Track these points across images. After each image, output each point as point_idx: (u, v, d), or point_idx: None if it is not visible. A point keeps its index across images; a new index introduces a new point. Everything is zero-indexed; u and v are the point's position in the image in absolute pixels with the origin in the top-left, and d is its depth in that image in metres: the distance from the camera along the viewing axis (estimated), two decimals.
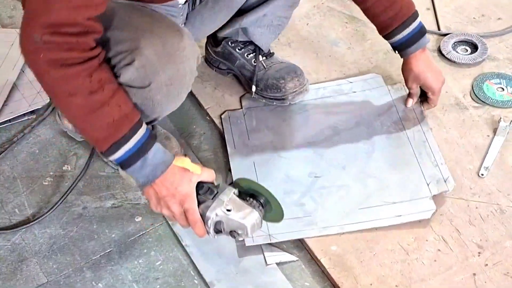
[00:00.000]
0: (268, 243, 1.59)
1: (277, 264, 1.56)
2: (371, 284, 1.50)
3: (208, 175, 1.44)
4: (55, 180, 1.74)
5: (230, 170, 1.72)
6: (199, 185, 1.41)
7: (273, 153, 1.76)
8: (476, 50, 2.00)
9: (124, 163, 1.34)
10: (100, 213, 1.68)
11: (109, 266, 1.57)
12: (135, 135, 1.32)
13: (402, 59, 1.76)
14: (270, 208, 1.47)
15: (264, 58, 1.87)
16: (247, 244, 1.57)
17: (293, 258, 1.58)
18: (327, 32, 2.12)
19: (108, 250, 1.60)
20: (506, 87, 1.90)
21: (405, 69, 1.76)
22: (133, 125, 1.32)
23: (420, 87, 1.79)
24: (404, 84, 1.84)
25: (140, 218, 1.66)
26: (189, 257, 1.58)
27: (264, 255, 1.57)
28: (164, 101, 1.43)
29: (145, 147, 1.34)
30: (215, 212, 1.39)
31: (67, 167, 1.77)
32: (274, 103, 1.85)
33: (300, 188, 1.68)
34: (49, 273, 1.56)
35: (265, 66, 1.86)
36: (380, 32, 1.73)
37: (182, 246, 1.60)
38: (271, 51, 1.90)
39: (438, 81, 1.75)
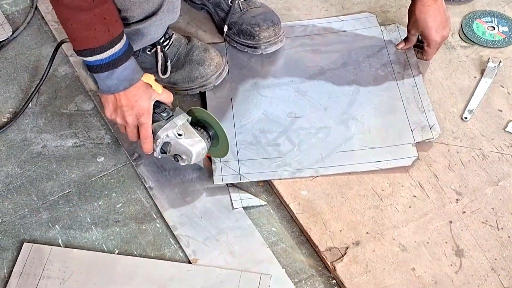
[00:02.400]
0: (236, 187, 1.52)
1: (244, 208, 1.49)
2: (340, 231, 1.43)
3: (167, 96, 1.47)
4: (15, 117, 1.65)
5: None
6: (156, 104, 1.44)
7: (252, 90, 1.68)
8: None
9: (92, 68, 1.36)
10: (61, 152, 1.60)
11: (67, 208, 1.50)
12: (111, 48, 1.32)
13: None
14: (216, 143, 1.48)
15: None
16: (215, 183, 1.51)
17: (261, 202, 1.51)
18: None
19: (67, 191, 1.53)
20: (498, 26, 1.79)
21: (409, 10, 1.66)
22: (112, 39, 1.32)
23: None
24: (398, 25, 1.78)
25: (102, 158, 1.58)
26: (152, 199, 1.51)
27: (231, 199, 1.50)
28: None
29: (117, 63, 1.34)
30: (167, 133, 1.42)
31: (28, 104, 1.67)
32: (246, 50, 1.75)
33: (277, 128, 1.61)
34: (4, 213, 1.49)
35: (242, 9, 1.75)
36: None
37: (145, 188, 1.53)
38: None
39: (437, 33, 1.64)
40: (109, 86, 1.37)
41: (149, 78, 1.42)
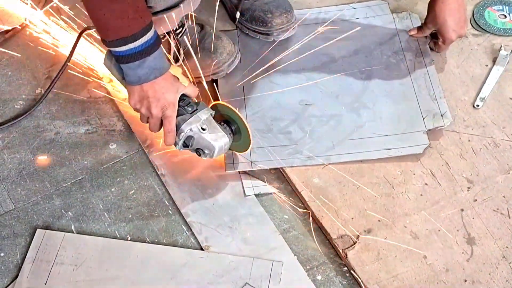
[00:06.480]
0: (248, 174, 1.52)
1: (256, 196, 1.50)
2: (352, 218, 1.43)
3: (192, 90, 1.45)
4: (27, 104, 1.66)
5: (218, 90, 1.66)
6: (181, 98, 1.42)
7: (264, 78, 1.68)
8: None
9: (123, 59, 1.33)
10: (73, 139, 1.61)
11: (80, 194, 1.51)
12: (144, 36, 1.31)
13: None
14: (239, 138, 1.48)
15: None
16: (227, 170, 1.52)
17: (273, 190, 1.51)
18: None
19: (80, 178, 1.54)
20: (509, 14, 1.79)
21: (430, 5, 1.66)
22: (145, 26, 1.30)
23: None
24: (410, 12, 1.79)
25: (114, 145, 1.59)
26: (164, 186, 1.52)
27: (243, 186, 1.51)
28: None
29: (149, 50, 1.32)
30: (190, 127, 1.41)
31: (41, 90, 1.68)
32: (258, 37, 1.75)
33: (289, 116, 1.61)
34: (17, 199, 1.51)
35: None
36: None
37: (158, 175, 1.54)
38: None
39: (454, 32, 1.64)
40: (139, 76, 1.34)
41: (176, 70, 1.41)
